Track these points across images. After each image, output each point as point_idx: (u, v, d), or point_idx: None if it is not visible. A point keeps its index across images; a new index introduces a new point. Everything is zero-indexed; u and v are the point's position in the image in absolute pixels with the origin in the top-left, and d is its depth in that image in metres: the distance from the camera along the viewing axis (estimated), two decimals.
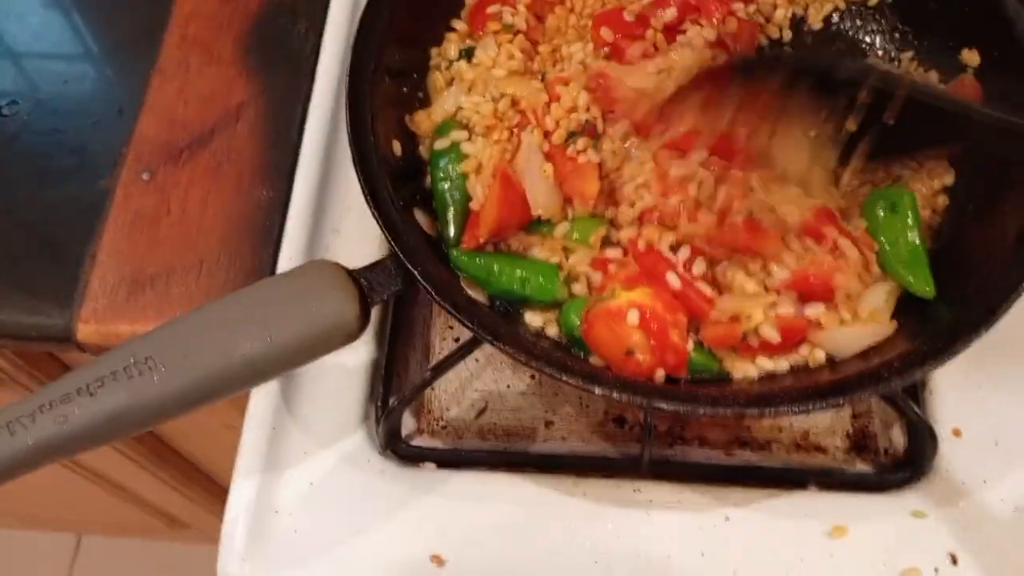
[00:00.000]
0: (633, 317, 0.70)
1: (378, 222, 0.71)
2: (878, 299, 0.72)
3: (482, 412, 0.84)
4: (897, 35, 0.88)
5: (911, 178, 0.79)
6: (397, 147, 0.80)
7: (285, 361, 0.65)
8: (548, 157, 0.77)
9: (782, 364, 0.73)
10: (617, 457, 0.82)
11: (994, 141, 0.73)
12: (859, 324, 0.72)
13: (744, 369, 0.72)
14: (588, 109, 0.78)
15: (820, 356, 0.72)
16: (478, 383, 0.85)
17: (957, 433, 0.80)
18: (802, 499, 0.78)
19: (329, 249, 0.88)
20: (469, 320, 0.67)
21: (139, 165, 0.94)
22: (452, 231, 0.76)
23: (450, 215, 0.77)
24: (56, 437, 0.58)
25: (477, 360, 0.86)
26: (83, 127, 0.97)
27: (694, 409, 0.65)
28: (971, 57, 0.82)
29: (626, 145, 0.78)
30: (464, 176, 0.78)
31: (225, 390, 0.63)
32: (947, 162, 0.80)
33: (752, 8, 0.87)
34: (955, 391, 0.81)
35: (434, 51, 0.87)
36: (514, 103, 0.81)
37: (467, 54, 0.86)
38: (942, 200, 0.79)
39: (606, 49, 0.84)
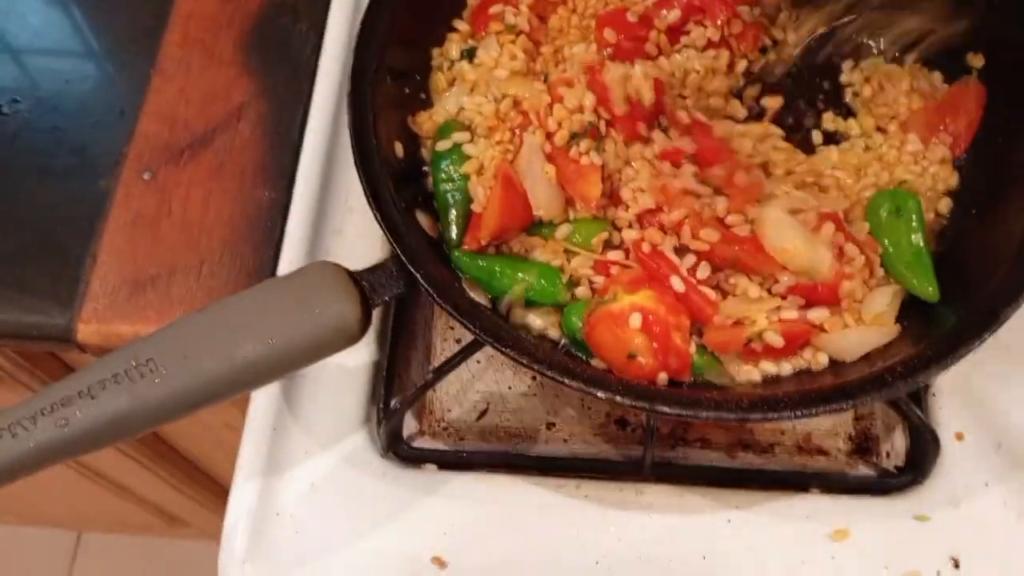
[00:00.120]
0: (635, 320, 0.69)
1: (380, 224, 0.70)
2: (882, 303, 0.72)
3: (483, 414, 0.84)
4: (904, 36, 0.87)
5: (914, 182, 0.78)
6: (399, 148, 0.79)
7: (287, 364, 0.65)
8: (550, 158, 0.77)
9: (785, 368, 0.72)
10: (619, 459, 0.82)
11: None
12: (863, 328, 0.72)
13: (747, 373, 0.72)
14: (592, 110, 0.78)
15: (823, 360, 0.72)
16: (479, 384, 0.85)
17: (960, 437, 0.80)
18: (804, 502, 0.78)
19: (330, 250, 0.88)
20: (471, 323, 0.67)
21: (140, 165, 0.94)
22: (454, 233, 0.76)
23: (452, 217, 0.77)
24: (57, 440, 0.58)
25: (479, 361, 0.85)
26: (84, 126, 0.97)
27: (697, 414, 0.65)
28: (976, 60, 0.82)
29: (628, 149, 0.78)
30: (466, 177, 0.77)
31: (226, 393, 0.63)
32: (951, 165, 0.79)
33: (757, 10, 0.87)
34: (958, 394, 0.81)
35: (436, 52, 0.87)
36: (516, 104, 0.81)
37: (469, 55, 0.86)
38: (945, 203, 0.79)
39: (609, 50, 0.84)
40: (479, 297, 0.74)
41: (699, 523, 0.77)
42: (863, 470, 0.81)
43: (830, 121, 0.84)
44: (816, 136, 0.83)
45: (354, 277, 0.68)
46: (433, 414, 0.84)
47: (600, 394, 0.65)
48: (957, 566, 0.74)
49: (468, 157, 0.78)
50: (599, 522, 0.77)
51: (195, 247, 0.89)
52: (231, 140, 0.95)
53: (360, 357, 0.83)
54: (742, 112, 0.84)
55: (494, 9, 0.86)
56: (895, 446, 0.82)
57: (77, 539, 2.13)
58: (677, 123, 0.79)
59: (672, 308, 0.71)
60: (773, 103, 0.84)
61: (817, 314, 0.71)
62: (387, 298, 0.69)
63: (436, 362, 0.85)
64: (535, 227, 0.77)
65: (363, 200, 0.72)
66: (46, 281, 0.88)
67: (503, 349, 0.67)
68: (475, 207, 0.76)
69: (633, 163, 0.77)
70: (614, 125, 0.78)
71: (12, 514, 1.91)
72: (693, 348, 0.71)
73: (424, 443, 0.82)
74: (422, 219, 0.76)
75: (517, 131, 0.79)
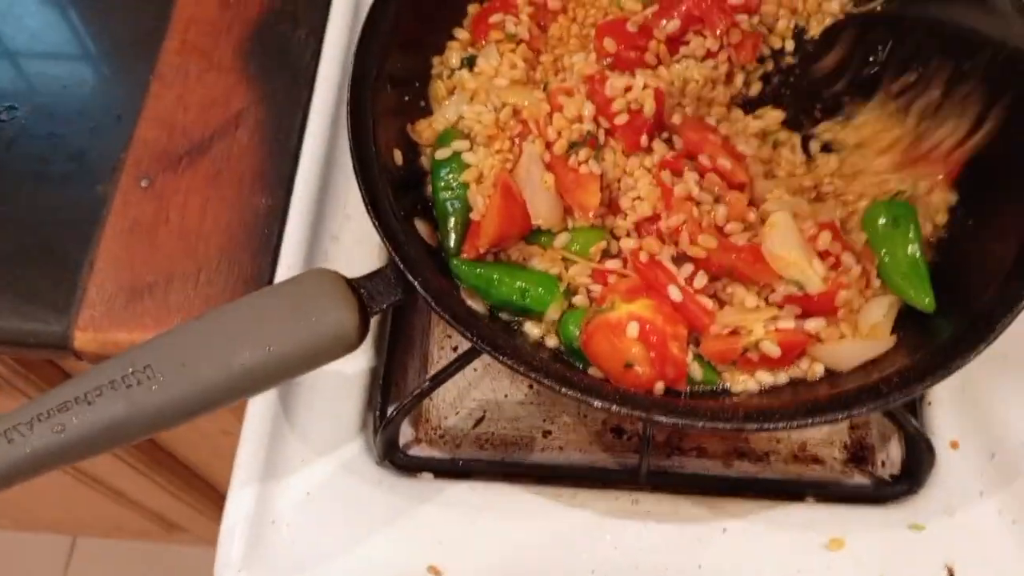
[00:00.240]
0: (633, 330, 0.69)
1: (379, 231, 0.70)
2: (878, 313, 0.72)
3: (480, 421, 0.84)
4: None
5: (911, 195, 0.78)
6: (398, 156, 0.79)
7: (284, 371, 0.65)
8: (549, 167, 0.77)
9: (781, 377, 0.73)
10: (615, 468, 0.82)
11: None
12: (859, 339, 0.72)
13: (744, 382, 0.72)
14: (591, 119, 0.78)
15: (819, 370, 0.72)
16: (476, 392, 0.85)
17: (955, 445, 0.80)
18: (800, 511, 0.78)
19: (328, 257, 0.88)
20: (468, 331, 0.67)
21: (138, 172, 0.94)
22: (452, 241, 0.76)
23: (451, 225, 0.77)
24: (54, 446, 0.58)
25: (475, 369, 0.85)
26: (81, 132, 0.97)
27: (693, 423, 0.65)
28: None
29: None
30: (465, 186, 0.77)
31: (224, 400, 0.63)
32: (948, 182, 0.80)
33: (755, 19, 0.87)
34: (953, 404, 0.82)
35: (436, 60, 0.87)
36: (516, 113, 0.81)
37: (469, 63, 0.86)
38: (942, 216, 0.79)
39: (608, 60, 0.84)
40: (477, 305, 0.74)
41: (695, 532, 0.77)
42: (858, 479, 0.81)
43: (827, 131, 0.84)
44: (814, 145, 0.83)
45: (352, 285, 0.68)
46: (429, 422, 0.84)
47: (597, 403, 0.65)
48: (952, 575, 0.75)
49: (467, 165, 0.78)
50: (595, 531, 0.77)
51: (192, 254, 0.89)
52: (229, 147, 0.95)
53: (357, 364, 0.83)
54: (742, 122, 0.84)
55: (494, 18, 0.86)
56: (890, 455, 0.82)
57: (72, 544, 2.12)
58: (676, 128, 0.79)
59: (669, 317, 0.71)
60: (774, 115, 0.84)
61: (813, 324, 0.71)
62: (385, 306, 0.69)
63: (433, 370, 0.85)
64: (533, 235, 0.77)
65: (361, 207, 0.72)
66: (43, 288, 0.88)
67: (500, 357, 0.67)
68: (474, 215, 0.76)
69: (632, 172, 0.77)
70: (614, 134, 0.79)
71: (8, 519, 1.90)
72: (690, 357, 0.72)
73: (420, 451, 0.82)
74: (421, 227, 0.76)
75: (516, 140, 0.79)
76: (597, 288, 0.74)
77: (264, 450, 0.79)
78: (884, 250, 0.74)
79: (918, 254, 0.74)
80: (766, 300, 0.73)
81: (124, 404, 0.59)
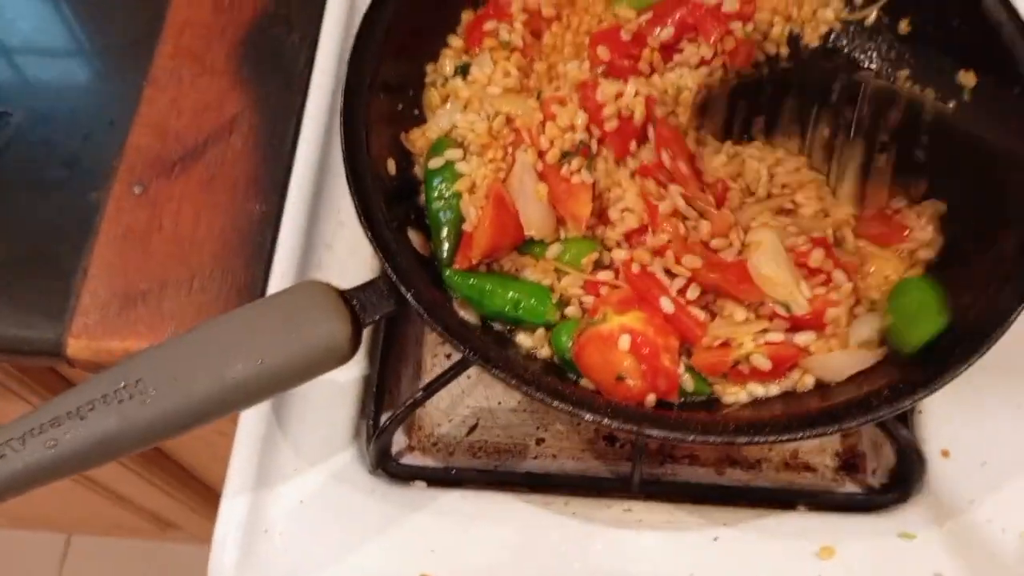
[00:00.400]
0: (624, 342, 0.70)
1: (371, 242, 0.70)
2: (867, 331, 0.72)
3: (473, 429, 0.84)
4: (894, 54, 0.88)
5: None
6: (392, 165, 0.79)
7: (276, 384, 0.65)
8: (542, 176, 0.77)
9: (772, 389, 0.73)
10: (608, 476, 0.82)
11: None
12: (849, 350, 0.72)
13: (735, 394, 0.72)
14: (584, 129, 0.78)
15: (809, 381, 0.73)
16: (469, 400, 0.86)
17: (946, 454, 0.80)
18: (791, 519, 0.78)
19: (322, 264, 0.88)
20: (460, 342, 0.67)
21: (131, 178, 0.94)
22: (445, 251, 0.76)
23: (443, 235, 0.77)
24: (47, 461, 0.58)
25: (469, 377, 0.85)
26: (75, 139, 0.97)
27: (684, 436, 0.65)
28: (967, 78, 0.82)
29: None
30: (458, 195, 0.77)
31: (216, 413, 0.63)
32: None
33: (750, 27, 0.87)
34: (944, 412, 0.82)
35: (430, 67, 0.87)
36: (509, 121, 0.81)
37: (463, 71, 0.86)
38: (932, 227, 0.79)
39: (602, 68, 0.84)
40: (470, 316, 0.75)
41: (687, 540, 0.77)
42: (850, 487, 0.81)
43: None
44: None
45: (344, 296, 0.68)
46: (423, 429, 0.84)
47: (588, 416, 0.65)
48: None
49: (460, 175, 0.78)
50: (587, 539, 0.77)
51: (186, 261, 0.89)
52: (223, 152, 0.95)
53: (350, 373, 0.84)
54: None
55: (488, 26, 0.86)
56: (882, 463, 0.82)
57: (67, 541, 2.12)
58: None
59: (661, 329, 0.71)
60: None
61: (803, 338, 0.72)
62: (377, 317, 0.69)
63: (427, 377, 0.85)
64: (526, 246, 0.77)
65: (355, 214, 0.72)
66: (36, 295, 0.88)
67: (492, 369, 0.67)
68: (467, 226, 0.76)
69: (621, 183, 0.77)
70: (604, 142, 0.79)
71: (3, 517, 1.91)
72: (682, 369, 0.72)
73: (413, 459, 0.83)
74: (414, 237, 0.77)
75: (509, 149, 0.79)
76: (589, 299, 0.75)
77: (257, 458, 0.79)
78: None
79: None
80: (756, 313, 0.73)
81: (116, 418, 0.59)
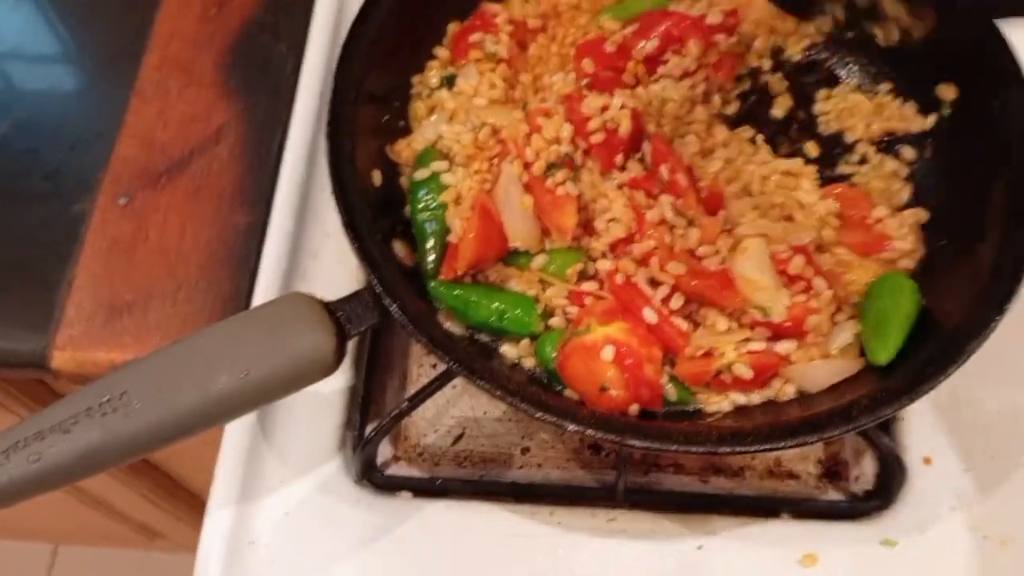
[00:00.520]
0: (608, 353, 0.70)
1: (357, 254, 0.71)
2: (847, 337, 0.73)
3: (459, 439, 0.85)
4: (874, 67, 0.89)
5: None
6: (377, 177, 0.80)
7: (261, 396, 0.65)
8: (527, 188, 0.77)
9: (754, 398, 0.73)
10: (592, 485, 0.82)
11: None
12: (829, 360, 0.72)
13: (717, 403, 0.73)
14: (569, 141, 0.78)
15: (790, 391, 0.73)
16: (455, 410, 0.86)
17: (927, 461, 0.81)
18: (774, 527, 0.79)
19: (307, 275, 0.89)
20: (445, 354, 0.68)
21: (117, 189, 0.94)
22: (431, 262, 0.77)
23: (429, 246, 0.77)
24: (30, 475, 0.58)
25: (454, 386, 0.86)
26: (61, 149, 0.97)
27: (666, 447, 0.65)
28: (948, 91, 0.83)
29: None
30: (443, 207, 0.78)
31: (201, 426, 0.63)
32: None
33: (734, 39, 0.88)
34: (926, 420, 0.82)
35: (416, 79, 0.87)
36: (494, 132, 0.81)
37: (448, 82, 0.86)
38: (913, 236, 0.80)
39: (587, 80, 0.84)
40: (455, 327, 0.75)
41: (671, 549, 0.78)
42: (833, 494, 0.82)
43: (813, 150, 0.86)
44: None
45: (329, 308, 0.68)
46: (408, 439, 0.84)
47: (571, 427, 0.65)
48: None
49: (446, 186, 0.79)
50: (572, 549, 0.78)
51: (172, 273, 0.89)
52: (209, 163, 0.95)
53: (336, 383, 0.84)
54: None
55: (474, 37, 0.87)
56: (864, 470, 0.83)
57: (54, 552, 2.11)
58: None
59: (644, 340, 0.72)
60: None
61: (784, 346, 0.72)
62: (362, 328, 0.70)
63: (412, 387, 0.85)
64: (511, 257, 0.77)
65: (341, 226, 0.72)
66: (21, 307, 0.88)
67: (477, 380, 0.67)
68: (452, 237, 0.77)
69: (608, 194, 0.78)
70: (590, 154, 0.79)
71: None
72: (665, 379, 0.72)
73: (399, 469, 0.83)
74: (399, 248, 0.77)
75: (495, 160, 0.79)
76: (574, 310, 0.75)
77: (242, 470, 0.80)
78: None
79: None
80: (738, 322, 0.73)
81: (100, 432, 0.60)
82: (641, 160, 0.80)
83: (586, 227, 0.78)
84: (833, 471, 0.83)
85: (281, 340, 0.65)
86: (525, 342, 0.75)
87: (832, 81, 0.89)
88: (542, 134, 0.79)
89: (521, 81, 0.87)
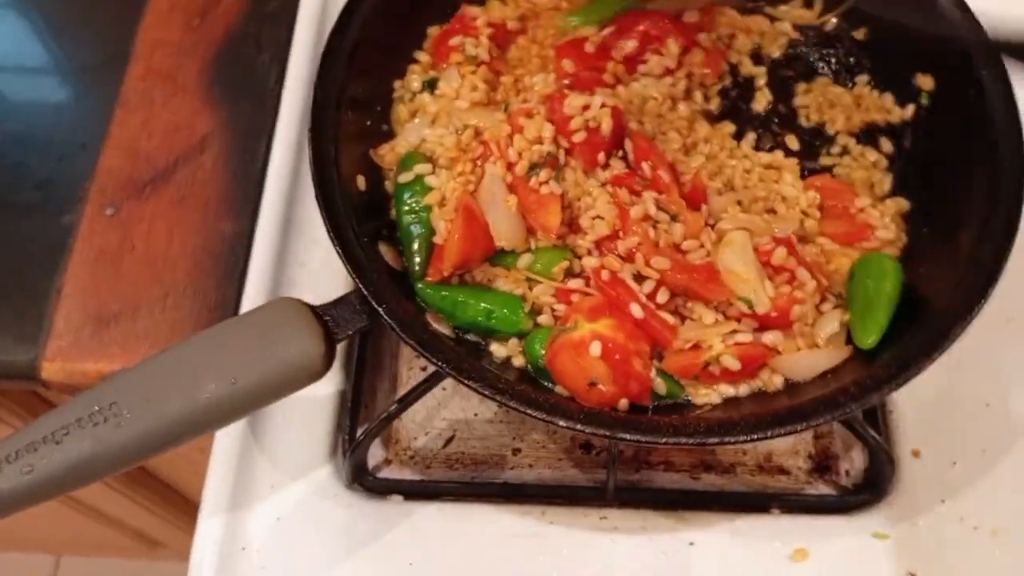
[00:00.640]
0: (595, 348, 0.70)
1: (342, 259, 0.71)
2: (832, 326, 0.74)
3: (450, 441, 0.85)
4: (852, 59, 0.90)
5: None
6: (361, 181, 0.80)
7: (250, 402, 0.65)
8: (511, 188, 0.78)
9: (743, 389, 0.74)
10: (583, 484, 0.83)
11: None
12: (815, 350, 0.73)
13: (706, 395, 0.73)
14: (551, 140, 0.78)
15: (778, 381, 0.73)
16: (445, 412, 0.86)
17: (916, 454, 0.81)
18: (765, 522, 0.79)
19: (295, 282, 0.89)
20: (434, 356, 0.68)
21: (103, 200, 0.94)
22: (417, 265, 0.77)
23: (415, 248, 0.77)
24: (23, 486, 0.58)
25: (444, 389, 0.86)
26: (47, 161, 0.97)
27: (656, 440, 0.66)
28: (925, 81, 0.84)
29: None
30: (428, 209, 0.78)
31: (190, 433, 0.63)
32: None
33: (713, 35, 0.88)
34: (914, 413, 0.83)
35: (397, 83, 0.88)
36: (477, 134, 0.82)
37: (430, 86, 0.86)
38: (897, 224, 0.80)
39: (567, 80, 0.85)
40: (443, 328, 0.75)
41: (663, 546, 0.78)
42: (823, 489, 0.82)
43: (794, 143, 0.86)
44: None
45: (317, 312, 0.68)
46: (399, 443, 0.85)
47: (562, 423, 0.66)
48: None
49: (430, 188, 0.79)
50: (564, 548, 0.78)
51: (159, 281, 0.90)
52: (194, 172, 0.96)
53: (326, 388, 0.84)
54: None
55: (454, 40, 0.87)
56: (854, 464, 0.83)
57: (56, 562, 2.11)
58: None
59: (632, 335, 0.72)
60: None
61: (771, 337, 0.73)
62: (350, 332, 0.70)
63: (402, 390, 0.85)
64: (497, 257, 0.78)
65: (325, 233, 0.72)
66: (9, 319, 0.88)
67: (466, 381, 0.67)
68: (437, 239, 0.77)
69: (591, 191, 0.78)
70: (572, 153, 0.79)
71: None
72: (654, 372, 0.73)
73: (391, 472, 0.83)
74: (385, 251, 0.77)
75: (478, 162, 0.79)
76: (561, 307, 0.75)
77: (233, 476, 0.80)
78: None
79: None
80: (724, 314, 0.74)
81: (91, 442, 0.60)
82: (624, 158, 0.80)
83: (571, 225, 0.78)
84: (823, 466, 0.84)
85: (269, 346, 0.65)
86: (514, 341, 0.75)
87: (810, 75, 0.90)
88: (524, 134, 0.79)
89: (502, 83, 0.87)
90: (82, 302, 0.88)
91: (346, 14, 0.82)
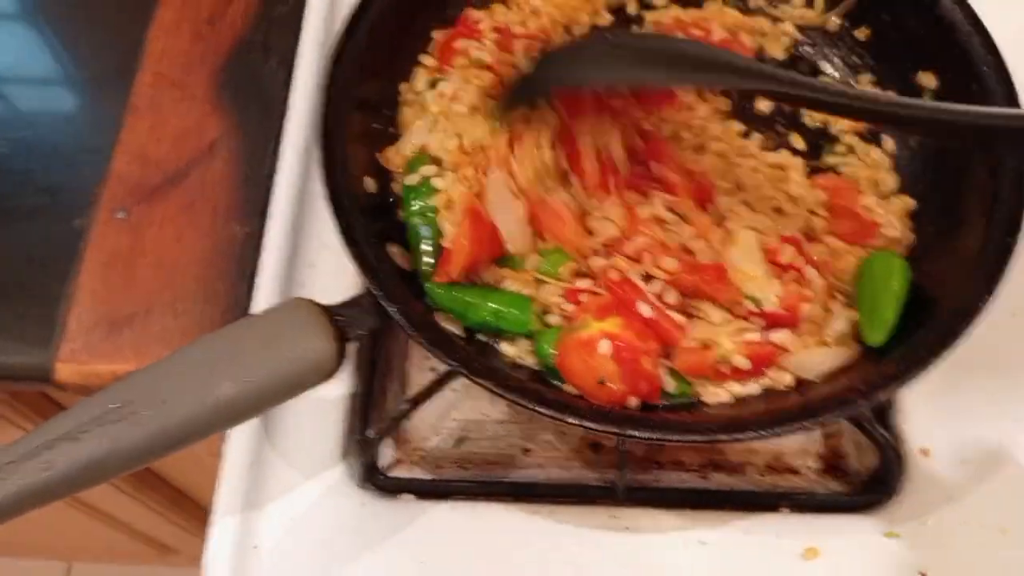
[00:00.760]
0: (604, 347, 0.71)
1: (353, 260, 0.71)
2: (842, 323, 0.74)
3: (460, 441, 0.85)
4: (856, 58, 0.90)
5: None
6: (370, 183, 0.80)
7: (263, 402, 0.65)
8: (519, 200, 0.77)
9: (753, 388, 0.74)
10: (593, 484, 0.83)
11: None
12: (824, 348, 0.73)
13: (716, 394, 0.73)
14: (552, 147, 0.78)
15: (787, 379, 0.74)
16: (456, 413, 0.86)
17: (926, 453, 0.81)
18: (775, 521, 0.80)
19: (305, 284, 0.89)
20: (445, 355, 0.68)
21: (114, 204, 0.94)
22: (426, 265, 0.77)
23: (424, 250, 0.77)
24: (40, 483, 0.59)
25: (455, 390, 0.86)
26: (57, 166, 0.98)
27: (666, 436, 0.66)
28: (928, 79, 0.84)
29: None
30: (435, 211, 0.78)
31: (204, 432, 0.64)
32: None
33: (718, 38, 0.89)
34: (924, 411, 0.83)
35: (404, 86, 0.88)
36: (481, 148, 0.81)
37: (435, 88, 0.87)
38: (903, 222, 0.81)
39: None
40: (453, 327, 0.75)
41: (673, 545, 0.78)
42: (833, 488, 0.82)
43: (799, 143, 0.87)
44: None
45: (329, 312, 0.69)
46: (410, 443, 0.85)
47: (571, 420, 0.66)
48: None
49: (436, 191, 0.79)
50: (574, 547, 0.78)
51: (170, 285, 0.90)
52: (203, 177, 0.96)
53: (337, 388, 0.84)
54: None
55: (459, 44, 0.87)
56: (864, 463, 0.83)
57: (68, 569, 2.11)
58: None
59: (641, 333, 0.72)
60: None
61: (780, 336, 0.73)
62: (362, 332, 0.70)
63: (412, 391, 0.85)
64: (505, 258, 0.78)
65: (335, 233, 0.73)
66: (23, 322, 0.88)
67: (477, 379, 0.68)
68: (445, 242, 0.77)
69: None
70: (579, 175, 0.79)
71: (2, 545, 1.90)
72: (663, 371, 0.73)
73: (402, 472, 0.83)
74: (395, 252, 0.77)
75: (482, 167, 0.79)
76: (570, 307, 0.75)
77: (246, 476, 0.80)
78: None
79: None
80: (732, 313, 0.74)
81: (108, 440, 0.60)
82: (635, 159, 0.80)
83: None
84: (833, 465, 0.84)
85: (283, 345, 0.66)
86: (523, 340, 0.76)
87: (814, 74, 0.90)
88: (524, 144, 0.78)
89: None
90: (94, 305, 0.89)
91: (354, 19, 0.83)
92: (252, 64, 1.04)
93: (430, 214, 0.78)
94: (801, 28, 0.92)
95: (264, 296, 0.87)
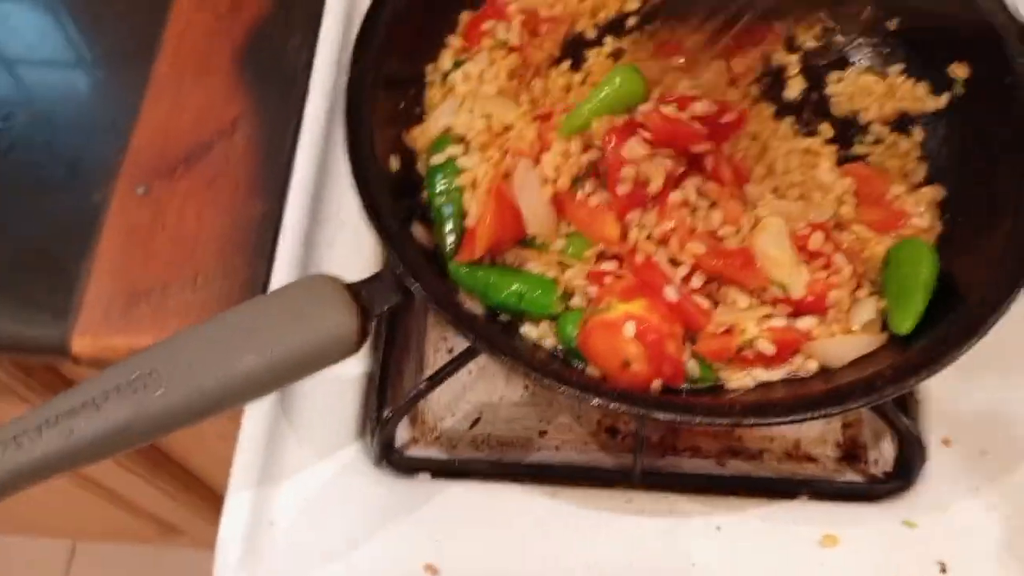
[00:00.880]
0: (629, 329, 0.70)
1: (378, 235, 0.71)
2: (868, 313, 0.73)
3: (476, 423, 0.85)
4: (886, 49, 0.89)
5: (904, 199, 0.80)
6: (394, 162, 0.80)
7: (286, 376, 0.65)
8: (558, 205, 0.76)
9: (777, 374, 0.73)
10: (610, 467, 0.83)
11: None
12: (851, 335, 0.73)
13: (740, 379, 0.73)
14: (584, 151, 0.77)
15: (813, 366, 0.73)
16: (471, 395, 0.86)
17: (947, 442, 0.81)
18: (793, 508, 0.79)
19: (323, 263, 0.89)
20: (469, 332, 0.68)
21: (134, 179, 0.94)
22: (449, 245, 0.77)
23: (447, 229, 0.77)
24: (62, 450, 0.59)
25: (470, 371, 0.86)
26: (78, 141, 0.98)
27: (690, 419, 0.66)
28: (960, 70, 0.83)
29: None
30: (460, 190, 0.78)
31: (226, 404, 0.64)
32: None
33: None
34: (945, 400, 0.82)
35: (430, 67, 0.88)
36: (506, 129, 0.81)
37: (461, 68, 0.86)
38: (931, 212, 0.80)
39: None
40: (475, 307, 0.75)
41: (689, 530, 0.78)
42: (852, 476, 0.82)
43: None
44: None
45: (352, 289, 0.68)
46: (426, 423, 0.85)
47: (595, 400, 0.65)
48: (944, 571, 0.76)
49: (462, 170, 0.79)
50: (589, 529, 0.78)
51: (189, 260, 0.90)
52: (224, 153, 0.96)
53: (354, 368, 0.84)
54: None
55: (486, 25, 0.87)
56: (883, 452, 0.83)
57: (72, 548, 2.12)
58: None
59: (665, 317, 0.72)
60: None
61: (806, 322, 0.72)
62: (385, 308, 0.70)
63: (429, 371, 0.85)
64: (528, 240, 0.77)
65: (355, 214, 0.73)
66: (41, 294, 0.88)
67: (500, 356, 0.67)
68: (469, 221, 0.76)
69: None
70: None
71: (7, 523, 1.90)
72: (687, 355, 0.72)
73: (418, 451, 0.83)
74: (418, 231, 0.77)
75: (509, 149, 0.79)
76: (594, 289, 0.75)
77: (262, 452, 0.80)
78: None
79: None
80: (759, 299, 0.74)
81: (130, 409, 0.60)
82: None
83: None
84: (852, 454, 0.83)
85: (306, 320, 0.66)
86: (545, 322, 0.75)
87: (844, 64, 0.89)
88: (556, 148, 0.77)
89: (532, 88, 0.86)
90: (112, 279, 0.89)
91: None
92: (274, 42, 1.03)
93: (455, 193, 0.78)
94: (832, 16, 0.91)
95: (282, 273, 0.87)
